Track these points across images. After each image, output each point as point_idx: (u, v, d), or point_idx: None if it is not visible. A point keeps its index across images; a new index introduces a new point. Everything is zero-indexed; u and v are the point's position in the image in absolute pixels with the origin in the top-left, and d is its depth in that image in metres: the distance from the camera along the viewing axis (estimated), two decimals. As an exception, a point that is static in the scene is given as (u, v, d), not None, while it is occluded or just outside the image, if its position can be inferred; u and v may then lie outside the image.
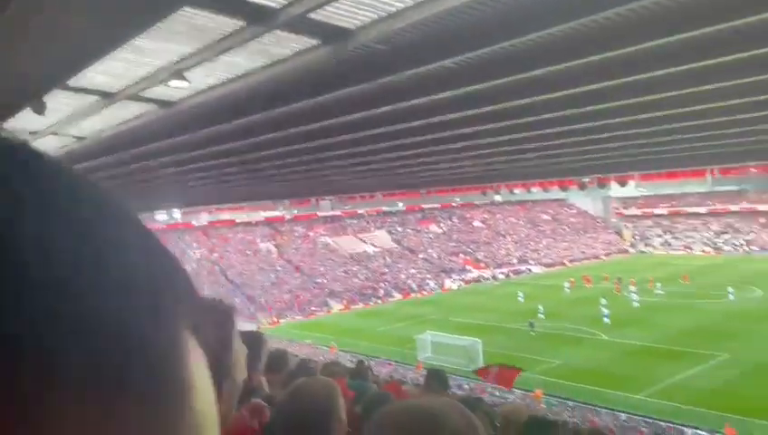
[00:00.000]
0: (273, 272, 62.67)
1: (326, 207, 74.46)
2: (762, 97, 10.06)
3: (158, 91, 9.21)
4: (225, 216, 68.26)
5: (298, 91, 9.14)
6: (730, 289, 44.85)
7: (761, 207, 75.28)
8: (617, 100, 10.24)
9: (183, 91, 9.11)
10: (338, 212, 75.80)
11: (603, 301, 40.71)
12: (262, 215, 71.17)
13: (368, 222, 78.06)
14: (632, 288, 47.15)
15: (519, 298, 48.56)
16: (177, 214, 57.03)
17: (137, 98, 9.55)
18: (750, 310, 39.69)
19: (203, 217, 68.16)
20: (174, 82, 8.19)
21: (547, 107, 10.73)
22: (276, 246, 69.52)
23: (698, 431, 22.14)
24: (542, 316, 40.52)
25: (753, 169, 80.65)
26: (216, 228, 68.92)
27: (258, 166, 17.05)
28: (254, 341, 1.51)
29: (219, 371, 1.23)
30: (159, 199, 31.52)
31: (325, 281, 61.06)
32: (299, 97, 9.42)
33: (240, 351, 1.32)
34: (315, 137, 12.64)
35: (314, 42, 7.19)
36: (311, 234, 72.82)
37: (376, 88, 8.82)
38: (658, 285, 48.36)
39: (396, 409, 1.12)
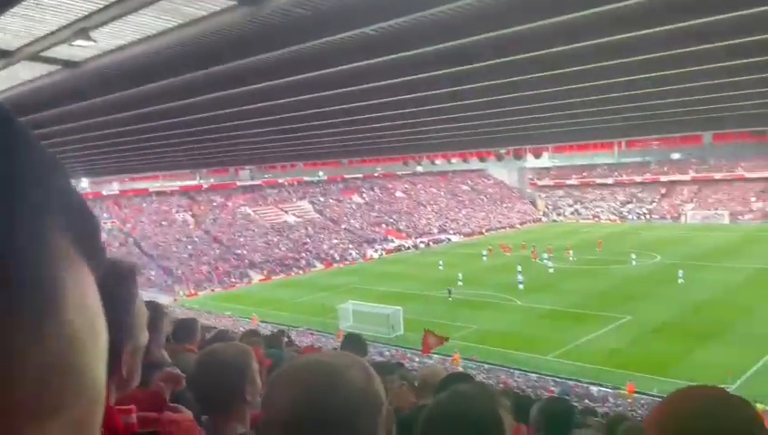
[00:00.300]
0: (191, 243, 60.93)
1: (245, 177, 72.88)
2: (660, 73, 10.60)
3: (62, 51, 8.61)
4: (138, 184, 65.33)
5: (212, 55, 8.78)
6: (633, 255, 47.89)
7: (662, 178, 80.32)
8: (525, 73, 10.46)
9: (88, 50, 8.56)
10: (258, 182, 74.37)
11: (519, 268, 42.43)
12: (177, 184, 68.71)
13: (289, 192, 77.12)
14: (545, 255, 49.50)
15: (439, 267, 49.75)
16: (84, 183, 54.00)
17: (38, 58, 8.90)
18: (650, 274, 42.56)
19: (114, 186, 64.96)
20: (78, 42, 7.67)
21: (464, 80, 10.87)
22: (193, 216, 67.51)
23: (602, 389, 23.68)
24: (461, 284, 41.76)
25: (655, 143, 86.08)
26: (128, 198, 65.94)
27: (170, 133, 16.35)
28: (151, 311, 1.45)
29: (119, 330, 1.18)
30: (67, 168, 29.73)
31: (245, 252, 60.06)
32: (213, 61, 9.06)
33: (142, 312, 1.28)
34: (229, 105, 12.25)
35: (231, 2, 6.91)
36: (229, 204, 71.15)
37: (293, 54, 8.62)
38: (571, 252, 50.87)
39: (295, 364, 1.11)
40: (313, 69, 9.56)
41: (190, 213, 67.85)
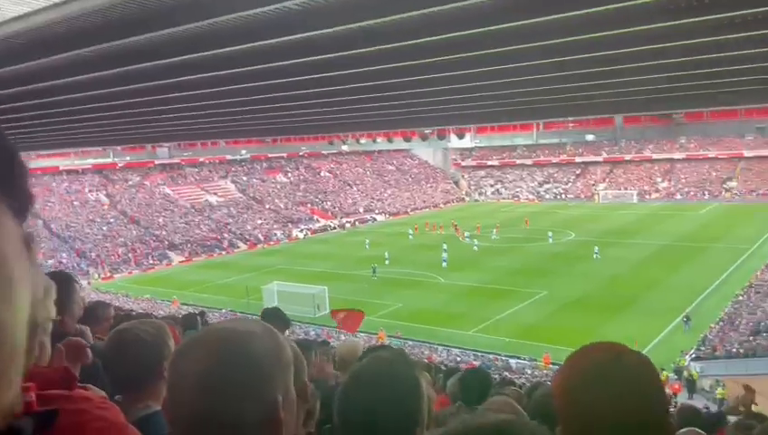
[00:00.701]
0: (106, 224, 58.22)
1: (163, 155, 70.16)
2: (565, 58, 10.97)
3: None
4: (47, 162, 61.52)
5: (122, 26, 8.34)
6: (549, 233, 49.94)
7: (577, 159, 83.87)
8: (440, 55, 10.53)
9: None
10: (177, 160, 71.81)
11: (445, 246, 43.38)
12: (90, 162, 65.24)
13: (210, 171, 74.94)
14: (467, 234, 50.92)
15: (366, 246, 50.05)
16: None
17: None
18: (565, 252, 44.55)
19: (19, 165, 60.89)
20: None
21: (379, 59, 10.84)
22: (108, 196, 64.47)
23: (521, 361, 24.72)
24: (387, 262, 42.25)
25: (570, 125, 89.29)
26: (35, 176, 62.04)
27: (76, 108, 15.45)
28: (60, 282, 1.36)
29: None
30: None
31: (164, 233, 58.06)
32: (122, 33, 8.60)
33: (39, 282, 1.19)
34: (137, 80, 11.70)
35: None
36: (147, 183, 68.37)
37: (201, 29, 8.34)
38: (494, 230, 52.42)
39: (203, 332, 1.09)
40: (214, 47, 9.30)
41: (104, 192, 64.77)
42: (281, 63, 10.64)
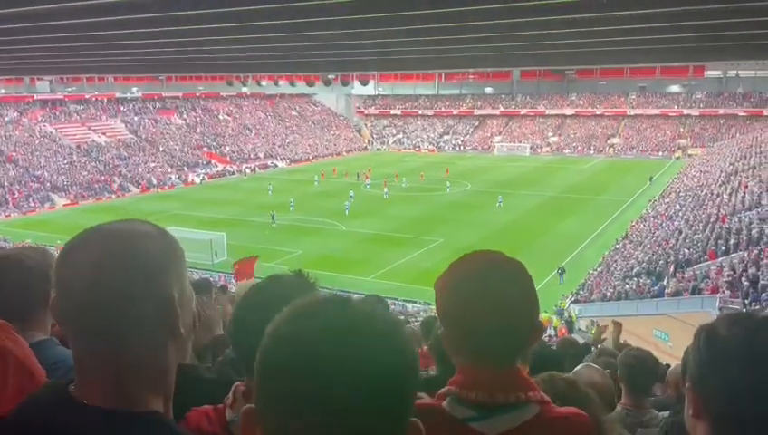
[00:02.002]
0: (-23, 163, 53.23)
1: (44, 89, 64.56)
2: (469, 8, 11.02)
3: None
4: None
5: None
6: (448, 183, 51.43)
7: (476, 112, 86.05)
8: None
9: None
10: (60, 95, 66.30)
11: (352, 193, 43.72)
12: (-43, 94, 58.89)
13: (97, 109, 69.79)
14: (367, 182, 51.59)
15: (268, 192, 49.42)
16: None
17: None
18: (461, 201, 46.14)
19: None
20: None
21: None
22: (-21, 132, 58.70)
23: (416, 305, 25.70)
24: (292, 209, 42.02)
25: (471, 77, 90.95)
26: None
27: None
28: None
29: None
30: None
31: (46, 174, 53.93)
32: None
33: None
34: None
35: None
36: (25, 119, 62.73)
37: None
38: (404, 179, 53.24)
39: (91, 230, 1.04)
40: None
41: (-25, 128, 58.91)
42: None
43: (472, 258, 1.40)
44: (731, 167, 43.02)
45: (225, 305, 3.98)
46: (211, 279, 27.11)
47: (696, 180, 44.74)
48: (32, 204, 48.51)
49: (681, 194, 40.91)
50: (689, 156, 65.05)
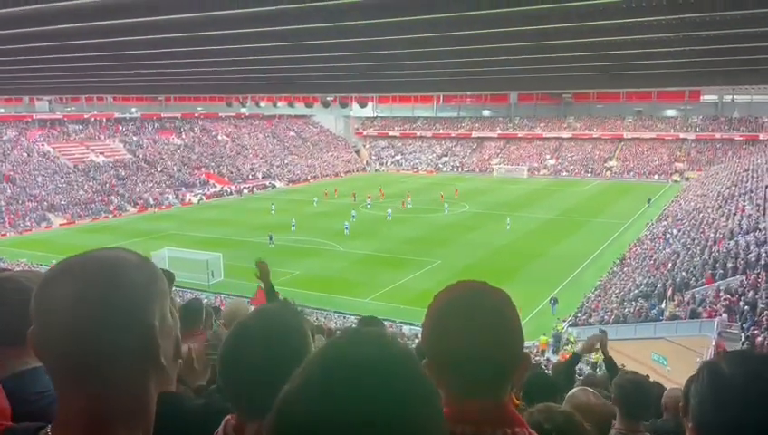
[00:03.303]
0: (-25, 182, 53.17)
1: (43, 109, 64.82)
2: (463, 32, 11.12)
3: None
4: None
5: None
6: (446, 204, 51.48)
7: (474, 134, 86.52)
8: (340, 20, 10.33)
9: None
10: (59, 115, 66.54)
11: (354, 213, 44.02)
12: (-44, 113, 59.05)
13: (96, 129, 70.01)
14: (368, 202, 51.85)
15: (271, 212, 49.83)
16: None
17: None
18: (459, 222, 46.12)
19: None
20: None
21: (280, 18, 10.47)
22: (-22, 151, 58.73)
23: (414, 327, 25.47)
24: (294, 229, 42.49)
25: (468, 100, 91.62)
26: None
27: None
28: None
29: None
30: None
31: (43, 193, 53.89)
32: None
33: None
34: (7, 25, 10.62)
35: None
36: (24, 139, 62.86)
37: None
38: (410, 199, 53.56)
39: (71, 259, 1.01)
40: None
41: (-27, 147, 58.97)
42: (173, 17, 10.01)
43: (456, 288, 1.36)
44: (727, 190, 43.17)
45: (222, 330, 3.91)
46: (206, 300, 26.95)
47: (692, 204, 44.84)
48: (28, 223, 48.38)
49: (678, 217, 40.98)
50: (687, 179, 65.32)
